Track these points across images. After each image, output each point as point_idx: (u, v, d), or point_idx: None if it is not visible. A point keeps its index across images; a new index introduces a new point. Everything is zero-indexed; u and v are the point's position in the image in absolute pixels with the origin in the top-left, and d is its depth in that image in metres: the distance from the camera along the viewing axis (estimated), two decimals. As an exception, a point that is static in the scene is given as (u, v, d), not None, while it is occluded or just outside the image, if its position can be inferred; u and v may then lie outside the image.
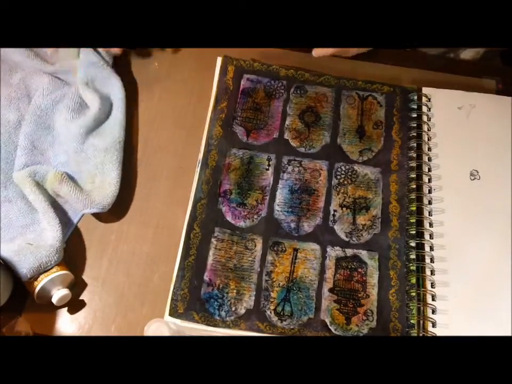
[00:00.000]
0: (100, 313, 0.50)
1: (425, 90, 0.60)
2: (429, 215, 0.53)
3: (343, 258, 0.51)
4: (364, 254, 0.52)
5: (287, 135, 0.58)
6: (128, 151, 0.58)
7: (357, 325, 0.48)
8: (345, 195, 0.54)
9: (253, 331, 0.48)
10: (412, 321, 0.49)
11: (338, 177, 0.55)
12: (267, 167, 0.56)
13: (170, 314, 0.48)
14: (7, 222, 0.52)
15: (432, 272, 0.50)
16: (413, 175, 0.55)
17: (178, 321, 0.48)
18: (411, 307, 0.49)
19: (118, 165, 0.55)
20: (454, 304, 0.49)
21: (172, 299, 0.49)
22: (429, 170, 0.55)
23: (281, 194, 0.54)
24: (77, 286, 0.51)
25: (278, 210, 0.54)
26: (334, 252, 0.52)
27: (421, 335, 0.48)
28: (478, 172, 0.55)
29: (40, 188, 0.52)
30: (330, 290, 0.50)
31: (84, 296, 0.51)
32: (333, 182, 0.55)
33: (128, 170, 0.57)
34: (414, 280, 0.50)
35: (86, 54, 0.59)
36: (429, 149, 0.56)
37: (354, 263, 0.51)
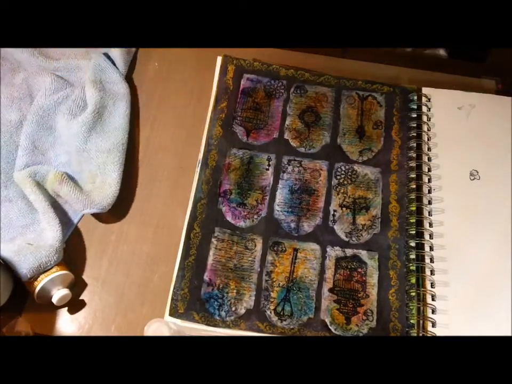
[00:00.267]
0: (100, 313, 0.50)
1: (425, 90, 0.60)
2: (429, 215, 0.53)
3: (343, 258, 0.51)
4: (363, 254, 0.52)
5: (287, 135, 0.58)
6: (129, 152, 0.58)
7: (356, 325, 0.48)
8: (345, 195, 0.54)
9: (253, 331, 0.48)
10: (411, 321, 0.49)
11: (338, 177, 0.55)
12: (267, 167, 0.56)
13: (171, 314, 0.48)
14: (7, 222, 0.52)
15: (432, 272, 0.50)
16: (413, 175, 0.55)
17: (178, 321, 0.48)
18: (411, 307, 0.49)
19: (119, 166, 0.55)
20: (454, 304, 0.49)
21: (172, 299, 0.49)
22: (429, 170, 0.55)
23: (281, 194, 0.54)
24: (77, 286, 0.51)
25: (278, 210, 0.54)
26: (333, 252, 0.52)
27: (420, 335, 0.48)
28: (478, 172, 0.55)
29: (40, 188, 0.52)
30: (330, 290, 0.50)
31: (84, 296, 0.51)
32: (332, 182, 0.55)
33: (128, 171, 0.57)
34: (413, 280, 0.50)
35: (97, 56, 0.60)
36: (429, 149, 0.56)
37: (354, 263, 0.51)
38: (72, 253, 0.53)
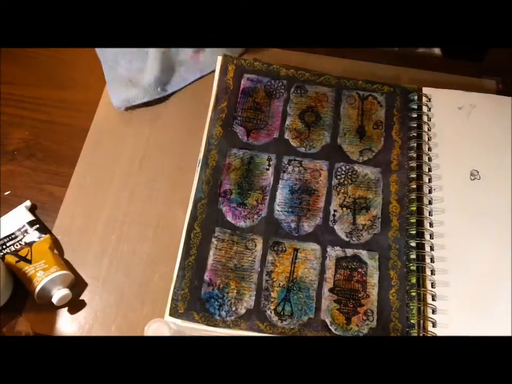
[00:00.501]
0: (100, 313, 0.50)
1: (425, 90, 0.60)
2: (429, 215, 0.53)
3: (343, 258, 0.51)
4: (364, 254, 0.51)
5: (287, 135, 0.58)
6: (129, 152, 0.58)
7: (357, 325, 0.48)
8: (345, 195, 0.54)
9: (253, 331, 0.48)
10: (412, 321, 0.48)
11: (339, 177, 0.55)
12: (267, 167, 0.56)
13: (171, 314, 0.48)
14: (128, 65, 0.62)
15: (432, 272, 0.50)
16: (413, 175, 0.55)
17: (178, 321, 0.48)
18: (411, 307, 0.49)
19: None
20: (454, 304, 0.49)
21: (172, 299, 0.49)
22: (429, 170, 0.55)
23: (281, 194, 0.54)
24: (77, 286, 0.51)
25: (278, 210, 0.54)
26: (334, 252, 0.52)
27: (421, 335, 0.48)
28: (478, 172, 0.55)
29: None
30: (331, 290, 0.50)
31: (84, 296, 0.51)
32: (333, 182, 0.55)
33: (128, 171, 0.57)
34: (414, 280, 0.50)
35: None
36: (429, 149, 0.56)
37: (355, 263, 0.51)
38: (72, 252, 0.53)
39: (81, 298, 0.51)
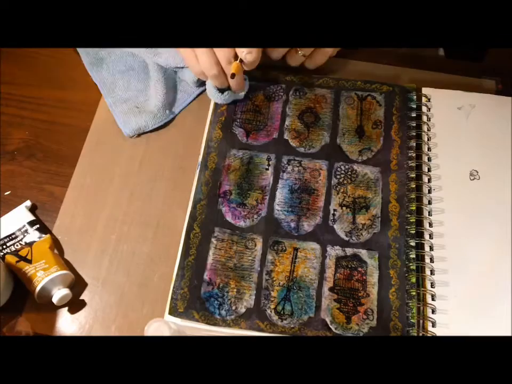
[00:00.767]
0: (100, 313, 0.50)
1: (425, 90, 0.60)
2: (429, 215, 0.53)
3: (343, 257, 0.51)
4: (363, 253, 0.52)
5: (286, 135, 0.58)
6: (129, 152, 0.58)
7: (357, 324, 0.48)
8: (345, 194, 0.54)
9: (253, 330, 0.48)
10: (412, 320, 0.49)
11: (338, 176, 0.55)
12: (267, 167, 0.56)
13: (170, 313, 0.48)
14: (127, 85, 0.62)
15: (432, 272, 0.50)
16: (413, 175, 0.55)
17: (178, 320, 0.48)
18: (411, 306, 0.49)
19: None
20: (454, 304, 0.49)
21: (172, 298, 0.49)
22: (429, 170, 0.55)
23: (281, 194, 0.54)
24: (77, 285, 0.51)
25: (278, 210, 0.54)
26: (334, 251, 0.52)
27: (420, 334, 0.48)
28: (478, 172, 0.55)
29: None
30: (331, 289, 0.50)
31: (84, 296, 0.51)
32: (332, 182, 0.55)
33: (128, 171, 0.57)
34: (414, 280, 0.50)
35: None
36: (429, 149, 0.56)
37: (354, 262, 0.51)
38: (72, 253, 0.53)
39: (81, 298, 0.51)
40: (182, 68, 0.60)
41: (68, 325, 0.50)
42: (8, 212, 0.54)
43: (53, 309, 0.50)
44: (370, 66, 0.63)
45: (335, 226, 0.53)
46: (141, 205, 0.55)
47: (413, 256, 0.51)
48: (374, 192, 0.54)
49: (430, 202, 0.54)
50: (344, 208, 0.54)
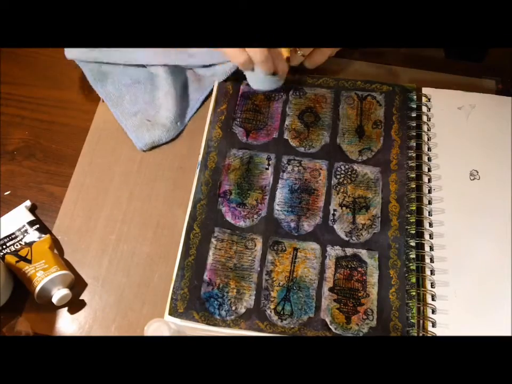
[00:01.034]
0: (100, 313, 0.50)
1: (425, 90, 0.60)
2: (429, 215, 0.53)
3: (343, 257, 0.51)
4: (363, 253, 0.52)
5: (286, 135, 0.58)
6: (129, 152, 0.58)
7: (357, 324, 0.48)
8: (345, 194, 0.54)
9: (253, 330, 0.48)
10: (412, 320, 0.48)
11: (338, 176, 0.55)
12: (267, 167, 0.56)
13: (170, 314, 0.48)
14: (134, 98, 0.61)
15: (432, 272, 0.50)
16: (413, 175, 0.55)
17: (178, 320, 0.48)
18: (411, 306, 0.49)
19: None
20: (454, 304, 0.49)
21: (172, 298, 0.49)
22: (429, 170, 0.55)
23: (281, 194, 0.54)
24: (77, 286, 0.51)
25: (278, 210, 0.54)
26: (334, 251, 0.52)
27: (420, 335, 0.48)
28: (478, 172, 0.55)
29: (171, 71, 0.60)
30: (331, 289, 0.50)
31: (84, 296, 0.51)
32: (332, 182, 0.55)
33: (128, 171, 0.57)
34: (414, 280, 0.50)
35: None
36: (429, 149, 0.56)
37: (354, 262, 0.51)
38: (72, 253, 0.53)
39: (81, 298, 0.51)
40: (215, 65, 0.60)
41: (68, 325, 0.50)
42: (8, 212, 0.54)
43: (52, 309, 0.50)
44: (370, 66, 0.63)
45: (335, 226, 0.53)
46: (141, 205, 0.55)
47: (413, 256, 0.51)
48: (374, 192, 0.54)
49: (430, 202, 0.54)
50: (344, 208, 0.54)
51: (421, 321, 0.48)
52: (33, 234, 0.53)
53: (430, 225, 0.52)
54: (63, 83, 0.64)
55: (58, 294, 0.48)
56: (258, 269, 0.51)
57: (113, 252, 0.53)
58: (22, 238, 0.53)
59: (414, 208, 0.53)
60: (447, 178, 0.55)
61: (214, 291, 0.50)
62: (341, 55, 0.63)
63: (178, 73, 0.61)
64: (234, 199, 0.54)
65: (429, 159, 0.56)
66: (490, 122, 0.58)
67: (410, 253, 0.51)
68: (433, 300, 0.49)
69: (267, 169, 0.56)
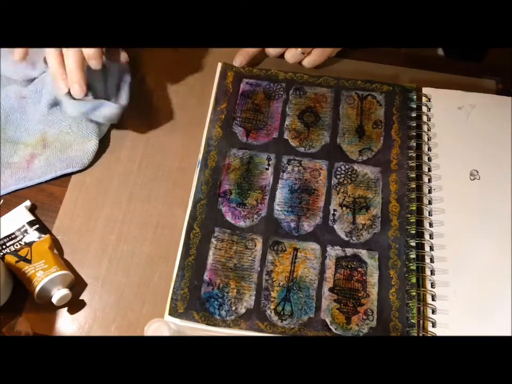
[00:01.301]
0: (100, 313, 0.50)
1: (425, 90, 0.60)
2: (429, 215, 0.53)
3: (343, 257, 0.51)
4: (363, 253, 0.51)
5: (286, 135, 0.58)
6: (129, 152, 0.58)
7: (357, 324, 0.48)
8: (345, 194, 0.54)
9: (253, 330, 0.48)
10: (412, 320, 0.48)
11: (338, 176, 0.55)
12: (267, 167, 0.56)
13: (170, 314, 0.48)
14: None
15: (432, 272, 0.50)
16: (413, 175, 0.55)
17: (178, 320, 0.48)
18: (411, 306, 0.49)
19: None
20: (454, 304, 0.49)
21: (172, 298, 0.49)
22: (429, 170, 0.55)
23: (281, 194, 0.54)
24: (77, 286, 0.51)
25: (278, 210, 0.54)
26: (334, 251, 0.52)
27: (421, 335, 0.48)
28: (478, 172, 0.55)
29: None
30: (331, 289, 0.50)
31: (84, 296, 0.51)
32: (332, 182, 0.55)
33: (128, 171, 0.57)
34: (414, 280, 0.50)
35: None
36: (429, 149, 0.56)
37: (354, 263, 0.51)
38: (72, 253, 0.53)
39: (81, 298, 0.51)
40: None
41: (68, 325, 0.50)
42: (8, 212, 0.54)
43: (52, 309, 0.50)
44: (370, 66, 0.63)
45: (335, 226, 0.53)
46: (141, 205, 0.55)
47: (413, 256, 0.51)
48: (374, 192, 0.54)
49: (430, 202, 0.54)
50: (344, 208, 0.54)
51: (421, 322, 0.48)
52: (33, 234, 0.53)
53: (430, 225, 0.52)
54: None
55: (58, 294, 0.48)
56: (259, 269, 0.51)
57: (113, 252, 0.53)
58: (21, 238, 0.53)
59: (414, 208, 0.53)
60: (447, 178, 0.55)
61: (214, 291, 0.50)
62: (341, 54, 0.63)
63: None
64: (234, 199, 0.54)
65: (429, 159, 0.56)
66: (490, 122, 0.58)
67: (411, 253, 0.51)
68: (433, 300, 0.49)
69: (267, 169, 0.56)
